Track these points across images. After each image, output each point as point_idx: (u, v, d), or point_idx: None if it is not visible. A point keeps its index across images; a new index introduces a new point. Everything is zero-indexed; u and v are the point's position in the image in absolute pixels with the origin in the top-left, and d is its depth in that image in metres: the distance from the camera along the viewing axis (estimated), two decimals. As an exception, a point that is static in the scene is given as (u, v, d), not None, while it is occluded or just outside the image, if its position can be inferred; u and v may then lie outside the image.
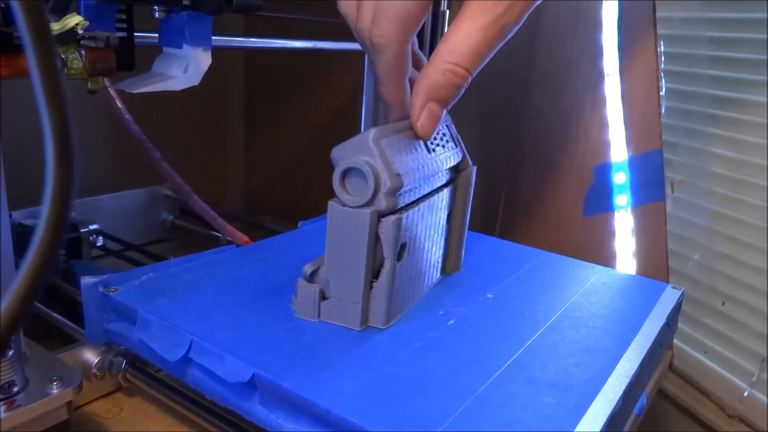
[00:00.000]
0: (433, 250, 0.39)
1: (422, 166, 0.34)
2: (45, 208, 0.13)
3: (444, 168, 0.37)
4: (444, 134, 0.38)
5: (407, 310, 0.36)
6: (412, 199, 0.35)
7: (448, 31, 0.31)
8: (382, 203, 0.31)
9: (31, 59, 0.12)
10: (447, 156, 0.38)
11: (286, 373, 0.29)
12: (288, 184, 0.82)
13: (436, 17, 0.59)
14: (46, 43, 0.12)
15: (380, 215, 0.32)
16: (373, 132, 0.31)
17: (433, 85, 0.31)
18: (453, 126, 0.40)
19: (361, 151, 0.31)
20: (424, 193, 0.36)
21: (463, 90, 0.32)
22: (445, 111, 0.33)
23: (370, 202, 0.31)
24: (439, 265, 0.41)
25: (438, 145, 0.37)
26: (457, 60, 0.31)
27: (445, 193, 0.39)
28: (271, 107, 0.83)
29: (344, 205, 0.32)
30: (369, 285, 0.33)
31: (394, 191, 0.32)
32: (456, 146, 0.39)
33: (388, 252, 0.32)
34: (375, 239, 0.32)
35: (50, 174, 0.13)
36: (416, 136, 0.33)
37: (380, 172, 0.31)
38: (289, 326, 0.33)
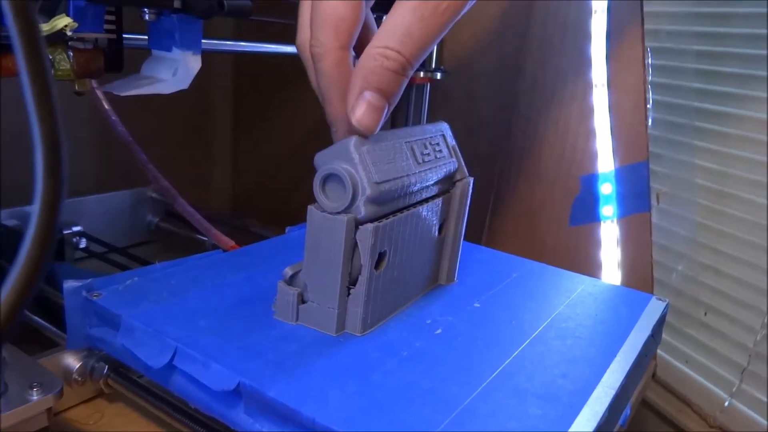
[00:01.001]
0: (421, 261, 0.39)
1: (408, 176, 0.34)
2: (34, 218, 0.12)
3: (434, 178, 0.37)
4: (437, 143, 0.38)
5: (390, 318, 0.36)
6: (397, 207, 0.35)
7: (382, 23, 0.30)
8: (361, 211, 0.31)
9: (21, 65, 0.12)
10: (438, 166, 0.37)
11: (271, 382, 0.28)
12: (274, 188, 0.82)
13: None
14: (37, 49, 0.12)
15: (359, 222, 0.32)
16: (354, 139, 0.31)
17: (365, 70, 0.29)
18: (450, 136, 0.40)
19: (342, 158, 0.31)
20: (411, 202, 0.36)
21: (403, 78, 0.30)
22: (387, 106, 0.30)
23: (348, 209, 0.31)
24: (428, 275, 0.41)
25: (428, 154, 0.37)
26: (387, 43, 0.29)
27: (437, 203, 0.38)
28: (258, 111, 0.83)
29: (323, 210, 0.32)
30: (346, 291, 0.33)
31: (374, 199, 0.32)
32: (451, 156, 0.39)
33: (365, 260, 0.32)
34: (353, 246, 0.32)
35: (40, 184, 0.12)
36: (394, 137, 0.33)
37: (359, 180, 0.31)
38: (275, 333, 0.33)
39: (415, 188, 0.35)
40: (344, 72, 0.31)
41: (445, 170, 0.38)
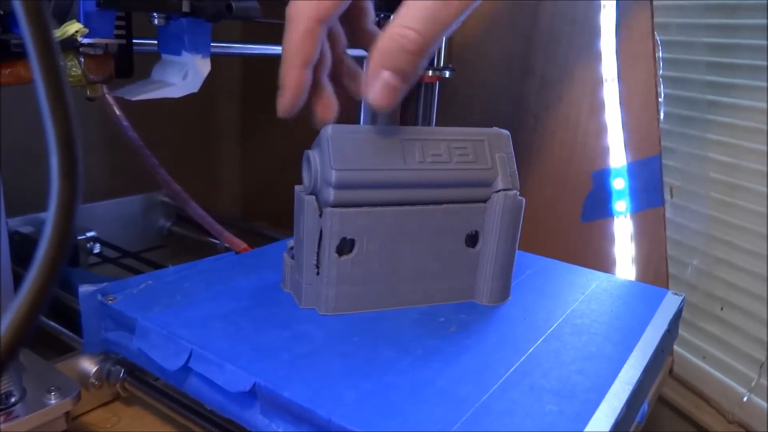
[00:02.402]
0: (434, 265, 0.37)
1: (392, 170, 0.34)
2: (49, 224, 0.12)
3: (446, 181, 0.36)
4: (463, 147, 0.36)
5: (390, 311, 0.37)
6: (388, 200, 0.35)
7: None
8: (330, 194, 0.33)
9: (36, 71, 0.12)
10: (453, 170, 0.36)
11: (286, 382, 0.28)
12: (283, 190, 0.82)
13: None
14: (52, 55, 0.12)
15: (326, 205, 0.34)
16: (331, 128, 0.34)
17: (383, 50, 0.30)
18: (505, 145, 0.38)
19: (317, 143, 0.34)
20: (410, 199, 0.35)
21: (420, 60, 0.30)
22: (403, 87, 0.31)
23: (314, 191, 0.34)
24: (455, 285, 0.38)
25: (439, 155, 0.36)
26: (406, 22, 0.29)
27: (459, 210, 0.37)
28: (265, 113, 0.83)
29: (302, 190, 0.35)
30: (314, 270, 0.35)
31: (340, 185, 0.33)
32: (487, 164, 0.37)
33: (325, 242, 0.34)
34: (319, 227, 0.34)
35: (55, 189, 0.12)
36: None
37: (320, 165, 0.33)
38: (288, 334, 0.33)
39: (409, 185, 0.35)
40: (310, 45, 0.31)
41: (467, 177, 0.36)
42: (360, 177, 0.34)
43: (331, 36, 0.34)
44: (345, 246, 0.35)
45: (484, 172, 0.36)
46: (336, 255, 0.34)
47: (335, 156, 0.33)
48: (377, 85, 0.30)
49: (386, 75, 0.30)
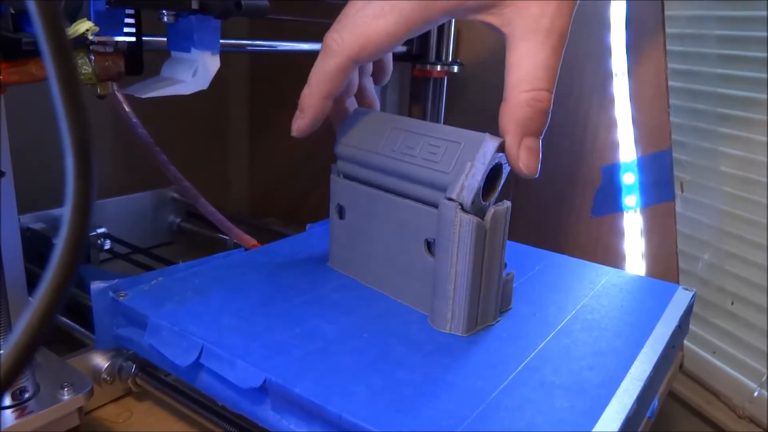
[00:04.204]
0: (402, 262, 0.37)
1: (371, 153, 0.37)
2: (65, 225, 0.13)
3: (408, 176, 0.35)
4: (437, 146, 0.34)
5: (391, 307, 0.37)
6: (370, 180, 0.38)
7: (510, 63, 0.30)
8: (341, 163, 0.40)
9: (51, 70, 0.12)
10: (415, 165, 0.34)
11: (297, 378, 0.29)
12: (292, 186, 0.82)
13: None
14: (66, 54, 0.12)
15: (332, 171, 0.41)
16: (355, 109, 0.40)
17: (522, 119, 0.30)
18: (484, 154, 0.32)
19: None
20: (384, 184, 0.37)
21: (551, 111, 0.31)
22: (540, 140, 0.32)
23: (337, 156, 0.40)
24: (417, 292, 0.36)
25: (412, 149, 0.35)
26: (535, 85, 0.30)
27: (417, 208, 0.35)
28: (274, 110, 0.83)
29: None
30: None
31: (339, 154, 0.39)
32: (447, 168, 0.33)
33: (331, 204, 0.41)
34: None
35: (70, 190, 0.12)
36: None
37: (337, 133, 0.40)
38: (299, 331, 0.33)
39: (379, 169, 0.37)
40: (340, 80, 0.33)
41: (422, 175, 0.34)
42: (350, 152, 0.38)
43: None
44: (342, 212, 0.40)
45: (440, 175, 0.33)
46: (337, 216, 0.40)
47: (343, 131, 0.39)
48: (525, 155, 0.31)
49: (530, 142, 0.31)
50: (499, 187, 0.34)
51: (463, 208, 0.32)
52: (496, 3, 0.30)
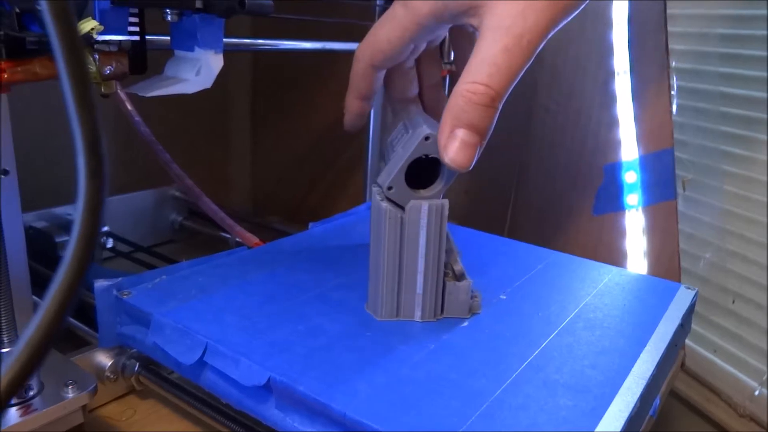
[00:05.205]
0: None
1: (386, 150, 0.37)
2: (77, 224, 0.13)
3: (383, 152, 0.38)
4: (401, 134, 0.36)
5: None
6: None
7: (468, 62, 0.30)
8: None
9: (62, 69, 0.12)
10: (389, 155, 0.36)
11: (301, 376, 0.29)
12: (294, 185, 0.82)
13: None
14: (78, 53, 0.12)
15: None
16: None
17: (454, 110, 0.30)
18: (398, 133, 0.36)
19: None
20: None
21: (494, 111, 0.30)
22: (481, 141, 0.30)
23: None
24: None
25: (395, 140, 0.36)
26: (474, 78, 0.29)
27: None
28: (276, 108, 0.83)
29: None
30: None
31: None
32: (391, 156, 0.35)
33: None
34: None
35: (82, 189, 0.13)
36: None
37: None
38: (303, 329, 0.33)
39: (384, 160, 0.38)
40: (365, 84, 0.36)
41: (386, 162, 0.36)
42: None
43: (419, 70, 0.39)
44: None
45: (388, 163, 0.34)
46: None
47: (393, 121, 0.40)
48: (454, 145, 0.30)
49: (461, 133, 0.30)
50: (443, 181, 0.33)
51: (383, 194, 0.33)
52: (475, 3, 0.30)
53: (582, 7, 0.31)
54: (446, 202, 0.33)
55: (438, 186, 0.33)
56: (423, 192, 0.33)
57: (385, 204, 0.33)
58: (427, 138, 0.32)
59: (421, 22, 0.32)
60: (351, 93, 0.37)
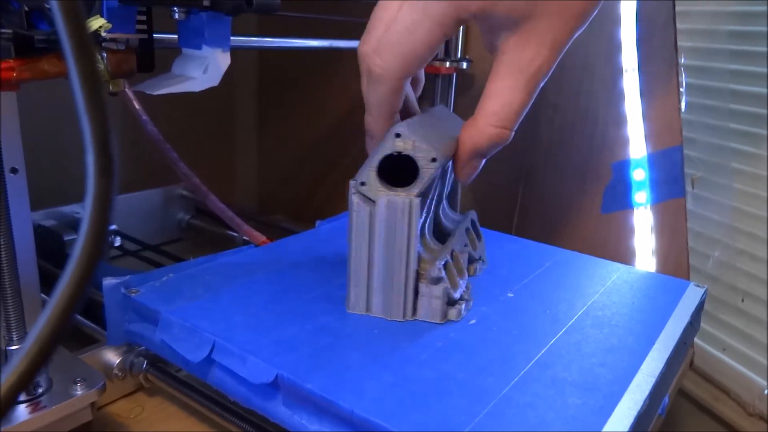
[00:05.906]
0: None
1: None
2: (86, 221, 0.13)
3: None
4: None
5: None
6: None
7: (489, 89, 0.32)
8: None
9: (72, 68, 0.12)
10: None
11: (308, 374, 0.29)
12: (299, 183, 0.82)
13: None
14: (88, 51, 0.12)
15: None
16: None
17: (481, 146, 0.33)
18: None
19: None
20: None
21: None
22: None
23: None
24: None
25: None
26: (503, 123, 0.31)
27: None
28: (282, 107, 0.83)
29: None
30: None
31: None
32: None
33: None
34: None
35: (91, 186, 0.13)
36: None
37: None
38: (310, 327, 0.33)
39: None
40: (398, 99, 0.33)
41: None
42: None
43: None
44: None
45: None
46: None
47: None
48: (469, 171, 0.34)
49: (477, 162, 0.34)
50: (423, 182, 0.33)
51: (357, 189, 0.33)
52: (518, 19, 0.30)
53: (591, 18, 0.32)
54: (417, 200, 0.33)
55: (416, 187, 0.33)
56: (399, 191, 0.33)
57: (355, 197, 0.33)
58: (398, 135, 0.32)
59: (463, 17, 0.30)
60: (377, 115, 0.33)
